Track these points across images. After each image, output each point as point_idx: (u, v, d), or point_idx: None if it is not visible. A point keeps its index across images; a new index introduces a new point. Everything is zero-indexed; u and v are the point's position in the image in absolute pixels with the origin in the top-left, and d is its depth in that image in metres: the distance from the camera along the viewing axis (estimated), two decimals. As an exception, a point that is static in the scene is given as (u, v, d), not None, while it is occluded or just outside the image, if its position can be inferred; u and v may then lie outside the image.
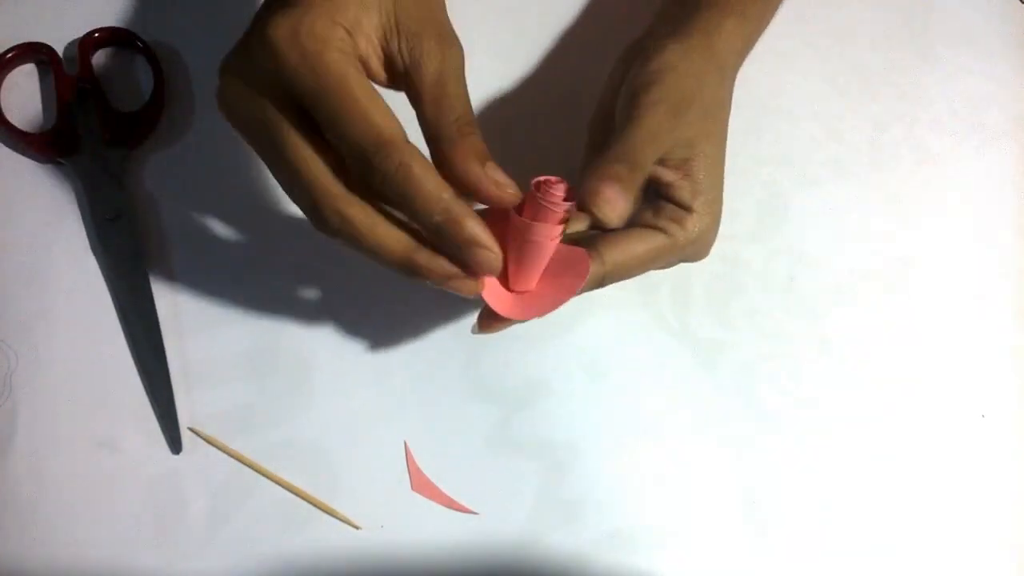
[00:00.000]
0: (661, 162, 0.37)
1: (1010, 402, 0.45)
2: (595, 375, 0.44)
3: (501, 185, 0.33)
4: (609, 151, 0.35)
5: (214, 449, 0.41)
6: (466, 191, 0.33)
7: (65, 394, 0.42)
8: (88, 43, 0.47)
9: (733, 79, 0.40)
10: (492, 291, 0.36)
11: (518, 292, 0.37)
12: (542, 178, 0.34)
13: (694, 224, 0.37)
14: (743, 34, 0.41)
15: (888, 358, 0.45)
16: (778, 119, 0.50)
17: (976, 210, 0.49)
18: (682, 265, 0.40)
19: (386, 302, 0.44)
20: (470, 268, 0.33)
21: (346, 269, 0.45)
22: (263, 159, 0.34)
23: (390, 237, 0.33)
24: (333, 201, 0.32)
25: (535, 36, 0.51)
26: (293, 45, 0.31)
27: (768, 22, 0.43)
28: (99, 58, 0.48)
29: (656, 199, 0.37)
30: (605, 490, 0.42)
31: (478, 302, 0.44)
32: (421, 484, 0.41)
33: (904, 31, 0.51)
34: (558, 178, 0.34)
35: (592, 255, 0.35)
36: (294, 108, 0.32)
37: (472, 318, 0.44)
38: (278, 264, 0.45)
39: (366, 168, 0.31)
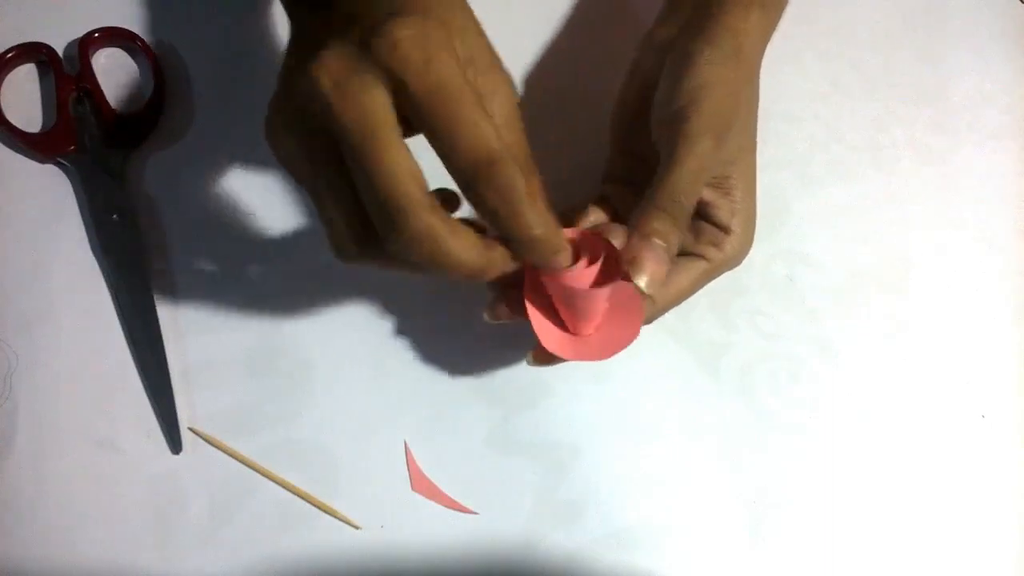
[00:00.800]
0: None
1: (1010, 403, 0.45)
2: (595, 375, 0.44)
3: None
4: (654, 195, 0.35)
5: (214, 449, 0.41)
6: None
7: (65, 394, 0.42)
8: (88, 43, 0.47)
9: (759, 78, 0.40)
10: (545, 330, 0.36)
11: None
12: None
13: (731, 245, 0.37)
14: (765, 27, 0.40)
15: (888, 358, 0.45)
16: (778, 120, 0.50)
17: (976, 210, 0.49)
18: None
19: (387, 302, 0.44)
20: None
21: (346, 269, 0.45)
22: (314, 191, 0.32)
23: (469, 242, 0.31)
24: (415, 214, 0.30)
25: (535, 29, 0.51)
26: (417, 45, 0.29)
27: (783, 11, 0.43)
28: (99, 58, 0.48)
29: (695, 219, 0.37)
30: (605, 490, 0.42)
31: (477, 302, 0.44)
32: (421, 484, 0.41)
33: (904, 31, 0.51)
34: (581, 236, 0.34)
35: (643, 296, 0.35)
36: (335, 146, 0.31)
37: (471, 317, 0.44)
38: (278, 264, 0.45)
39: (473, 181, 0.30)
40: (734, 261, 0.39)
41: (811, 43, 0.52)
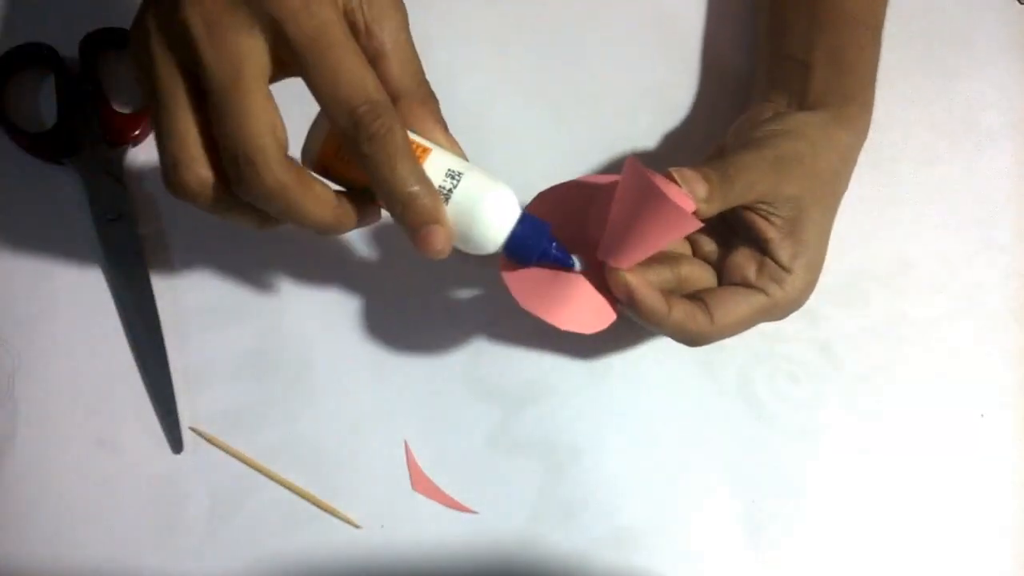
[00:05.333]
0: (767, 217, 0.38)
1: (1010, 402, 0.45)
2: (595, 375, 0.44)
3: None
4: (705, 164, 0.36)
5: (215, 449, 0.42)
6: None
7: (66, 394, 0.42)
8: (89, 43, 0.47)
9: (852, 161, 0.41)
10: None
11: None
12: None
13: (792, 285, 0.38)
14: (864, 124, 0.42)
15: (887, 358, 0.45)
16: (778, 120, 0.50)
17: (975, 210, 0.49)
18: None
19: (386, 302, 0.44)
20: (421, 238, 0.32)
21: (347, 269, 0.45)
22: (163, 119, 0.31)
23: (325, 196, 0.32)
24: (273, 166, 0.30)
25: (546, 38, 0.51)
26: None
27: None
28: (101, 59, 0.48)
29: (759, 255, 0.38)
30: (605, 490, 0.42)
31: (477, 302, 0.44)
32: (421, 483, 0.42)
33: (903, 32, 0.51)
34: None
35: (702, 308, 0.37)
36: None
37: (471, 317, 0.44)
38: (278, 264, 0.45)
39: (352, 126, 0.30)
40: (794, 304, 0.39)
41: (810, 44, 0.52)
